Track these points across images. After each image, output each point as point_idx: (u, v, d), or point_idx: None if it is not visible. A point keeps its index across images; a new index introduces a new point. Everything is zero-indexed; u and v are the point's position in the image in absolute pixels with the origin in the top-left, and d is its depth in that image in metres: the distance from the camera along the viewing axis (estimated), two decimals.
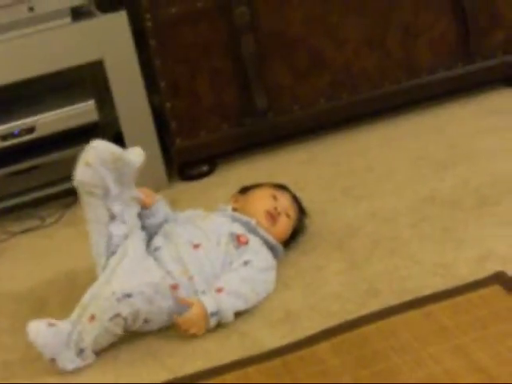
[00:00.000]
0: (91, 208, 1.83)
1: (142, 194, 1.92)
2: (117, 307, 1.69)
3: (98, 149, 1.80)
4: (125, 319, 1.71)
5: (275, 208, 1.95)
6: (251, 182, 2.11)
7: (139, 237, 1.89)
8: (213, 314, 1.75)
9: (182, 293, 1.78)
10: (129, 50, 2.35)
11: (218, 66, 2.44)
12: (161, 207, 1.97)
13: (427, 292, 1.74)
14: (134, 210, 1.90)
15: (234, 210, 1.98)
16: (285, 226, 1.97)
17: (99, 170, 1.79)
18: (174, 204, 2.18)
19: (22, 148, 2.43)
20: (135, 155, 1.85)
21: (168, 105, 2.44)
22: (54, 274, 2.13)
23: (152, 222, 1.95)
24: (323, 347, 1.64)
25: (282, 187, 2.04)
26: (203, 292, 1.79)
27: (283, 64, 2.48)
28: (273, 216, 1.94)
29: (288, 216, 1.98)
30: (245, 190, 2.06)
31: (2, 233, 2.43)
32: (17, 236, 2.40)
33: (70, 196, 2.42)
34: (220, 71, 2.44)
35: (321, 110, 2.54)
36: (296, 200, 2.03)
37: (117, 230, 1.84)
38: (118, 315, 1.70)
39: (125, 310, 1.70)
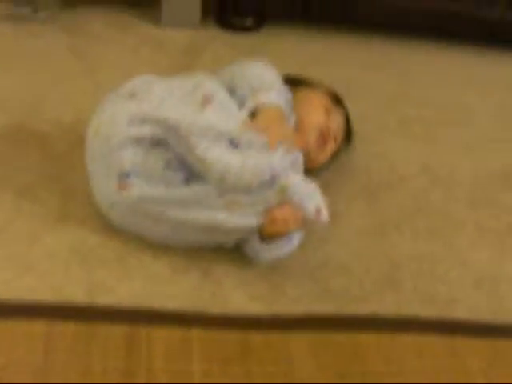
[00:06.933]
0: None
1: None
2: None
3: None
4: None
5: (328, 127, 1.56)
6: (293, 58, 1.91)
7: None
8: None
9: None
10: None
11: None
12: None
13: None
14: None
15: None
16: (328, 154, 1.58)
17: None
18: (198, 50, 1.97)
19: None
20: None
21: None
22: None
23: None
24: None
25: (338, 100, 1.63)
26: None
27: None
28: (325, 138, 1.55)
29: (335, 141, 1.59)
30: (293, 83, 1.59)
31: None
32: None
33: None
34: None
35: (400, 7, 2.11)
36: (347, 121, 1.65)
37: None
38: None
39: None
